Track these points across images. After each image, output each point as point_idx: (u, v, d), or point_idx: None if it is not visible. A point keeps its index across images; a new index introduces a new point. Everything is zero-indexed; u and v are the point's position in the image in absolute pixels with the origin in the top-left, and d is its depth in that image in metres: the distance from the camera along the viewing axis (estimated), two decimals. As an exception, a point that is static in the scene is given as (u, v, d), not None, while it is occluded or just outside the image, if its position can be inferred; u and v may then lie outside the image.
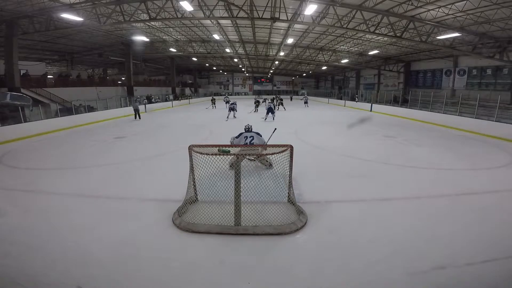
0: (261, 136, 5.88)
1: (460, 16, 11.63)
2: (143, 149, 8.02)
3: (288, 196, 4.00)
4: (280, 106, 20.30)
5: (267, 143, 5.99)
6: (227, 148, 3.73)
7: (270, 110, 14.14)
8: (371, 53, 21.69)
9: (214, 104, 23.52)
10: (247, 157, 4.75)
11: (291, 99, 35.59)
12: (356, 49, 21.83)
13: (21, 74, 16.45)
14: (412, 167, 6.05)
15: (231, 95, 43.18)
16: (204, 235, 3.28)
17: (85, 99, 15.34)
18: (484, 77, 16.83)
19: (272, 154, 3.68)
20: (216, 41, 21.86)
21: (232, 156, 4.35)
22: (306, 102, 25.38)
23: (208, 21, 16.39)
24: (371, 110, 20.05)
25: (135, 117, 15.47)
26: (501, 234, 3.31)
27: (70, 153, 7.77)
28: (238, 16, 12.56)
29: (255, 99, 21.89)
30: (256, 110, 18.74)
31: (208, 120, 15.07)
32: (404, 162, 6.41)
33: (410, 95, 17.13)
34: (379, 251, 2.96)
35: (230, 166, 5.03)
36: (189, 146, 3.69)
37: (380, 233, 3.33)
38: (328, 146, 8.15)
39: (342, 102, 26.99)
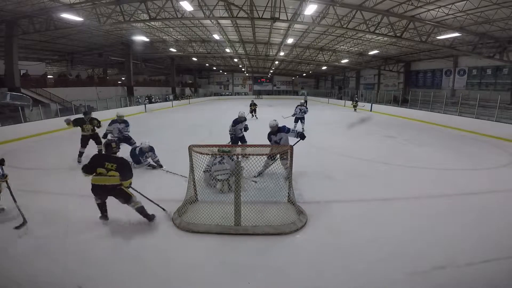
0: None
1: (460, 16, 11.62)
2: (143, 149, 8.00)
3: (288, 196, 3.99)
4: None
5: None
6: (227, 148, 3.74)
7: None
8: (371, 53, 21.67)
9: (255, 112, 14.86)
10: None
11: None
12: (356, 49, 21.81)
13: (21, 74, 16.42)
14: (412, 167, 6.05)
15: (230, 94, 42.82)
16: (204, 235, 3.28)
17: (85, 99, 15.31)
18: (484, 77, 16.81)
19: (273, 154, 3.69)
20: (216, 41, 21.84)
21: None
22: None
23: (208, 21, 16.37)
24: (371, 110, 20.04)
25: None
26: (501, 234, 3.31)
27: (70, 153, 7.76)
28: (238, 16, 12.56)
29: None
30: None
31: (208, 120, 15.05)
32: (404, 162, 6.41)
33: (410, 95, 17.11)
34: (379, 251, 2.96)
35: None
36: (189, 146, 3.69)
37: (380, 233, 3.33)
38: (328, 146, 8.14)
39: (342, 102, 26.95)
